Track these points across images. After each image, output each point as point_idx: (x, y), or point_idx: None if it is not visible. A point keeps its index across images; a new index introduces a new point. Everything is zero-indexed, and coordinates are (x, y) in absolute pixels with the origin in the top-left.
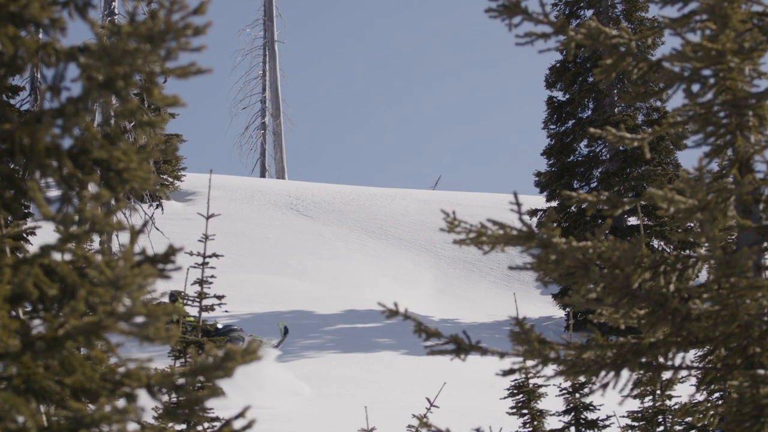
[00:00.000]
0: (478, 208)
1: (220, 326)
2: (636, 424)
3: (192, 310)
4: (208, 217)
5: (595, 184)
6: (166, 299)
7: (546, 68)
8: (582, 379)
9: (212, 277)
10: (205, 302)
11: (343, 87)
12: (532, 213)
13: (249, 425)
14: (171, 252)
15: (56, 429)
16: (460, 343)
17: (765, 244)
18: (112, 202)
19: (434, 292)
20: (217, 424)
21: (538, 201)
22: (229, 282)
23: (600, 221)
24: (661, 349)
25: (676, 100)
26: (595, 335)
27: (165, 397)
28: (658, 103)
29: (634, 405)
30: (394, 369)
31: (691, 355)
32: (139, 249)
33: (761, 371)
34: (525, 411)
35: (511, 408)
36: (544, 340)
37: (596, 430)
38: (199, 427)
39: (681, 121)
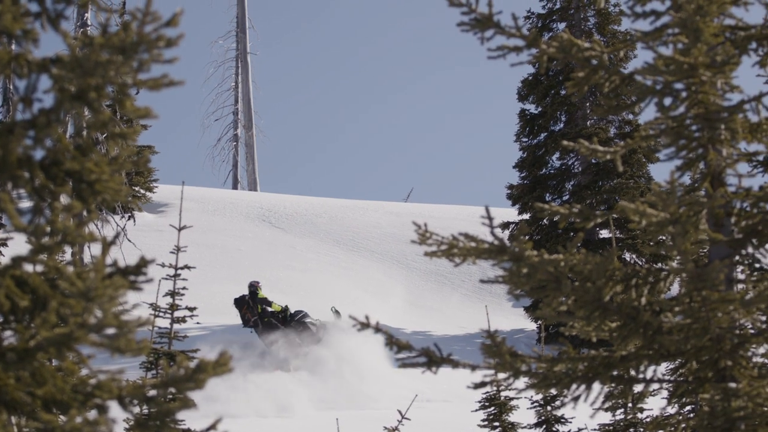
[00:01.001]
0: (450, 221)
1: (292, 311)
2: None
3: (163, 322)
4: (180, 229)
5: (567, 197)
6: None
7: (518, 81)
8: (553, 391)
9: (184, 288)
10: (176, 314)
11: (316, 99)
12: (504, 226)
13: None
14: (143, 264)
15: None
16: (432, 356)
17: (737, 258)
18: (84, 213)
19: (406, 304)
20: None
21: (510, 214)
22: (201, 294)
23: (572, 234)
24: (632, 362)
25: (648, 113)
26: (567, 348)
27: (136, 409)
28: (631, 116)
29: (606, 418)
30: (366, 381)
31: (663, 368)
32: (111, 261)
33: (732, 384)
34: (497, 424)
35: (483, 421)
36: (516, 353)
37: None
38: None
39: (653, 134)
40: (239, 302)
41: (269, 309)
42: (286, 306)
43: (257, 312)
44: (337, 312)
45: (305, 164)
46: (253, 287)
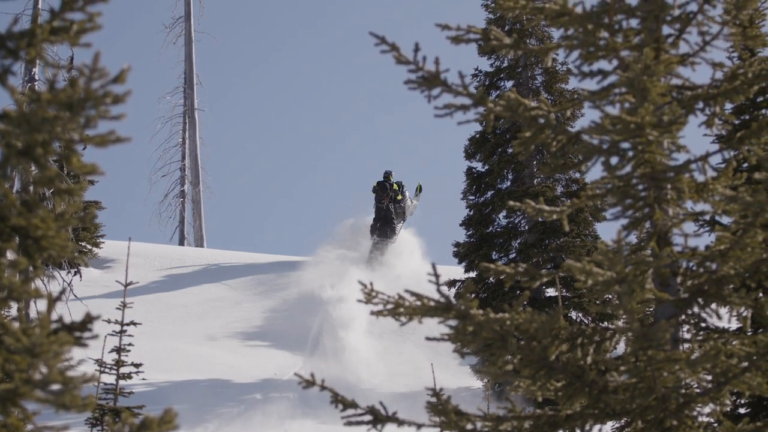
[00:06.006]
0: (396, 279)
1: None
2: None
3: (109, 378)
4: (126, 285)
5: (513, 254)
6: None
7: (465, 139)
8: None
9: (130, 345)
10: (122, 370)
11: (263, 155)
12: (451, 284)
13: None
14: (88, 320)
15: None
16: (377, 414)
17: (682, 317)
18: (30, 269)
19: None
20: None
21: (456, 272)
22: (147, 350)
23: (518, 292)
24: (578, 421)
25: (595, 172)
26: (512, 407)
27: None
28: (578, 175)
29: None
30: None
31: (608, 427)
32: (57, 316)
33: None
34: None
35: None
36: (461, 411)
37: None
38: None
39: (600, 193)
40: (382, 185)
41: (396, 197)
42: (391, 172)
43: (390, 197)
44: (420, 188)
45: (252, 221)
46: (387, 175)
